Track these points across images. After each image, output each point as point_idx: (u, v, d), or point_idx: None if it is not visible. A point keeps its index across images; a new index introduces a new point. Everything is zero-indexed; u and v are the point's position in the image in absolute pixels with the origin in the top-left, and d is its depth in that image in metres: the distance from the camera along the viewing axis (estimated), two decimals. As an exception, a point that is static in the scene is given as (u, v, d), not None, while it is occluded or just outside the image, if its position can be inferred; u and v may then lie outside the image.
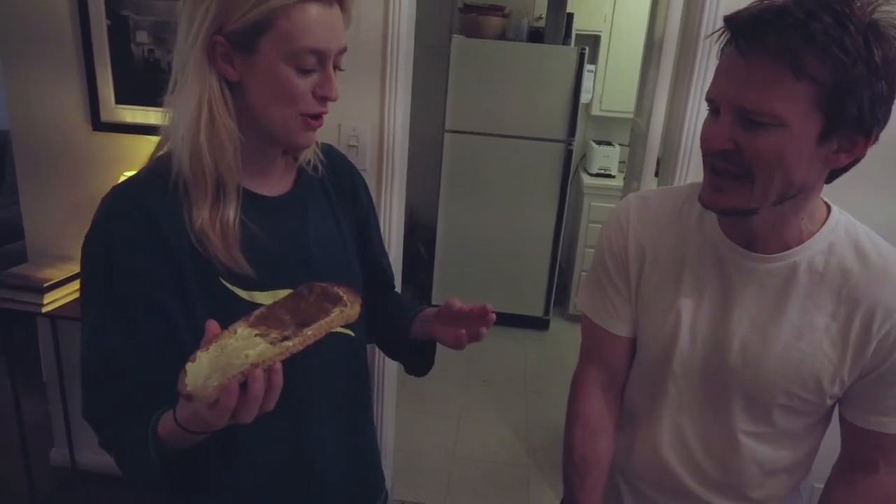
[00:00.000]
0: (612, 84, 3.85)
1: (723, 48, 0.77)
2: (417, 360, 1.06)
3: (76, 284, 1.98)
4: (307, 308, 0.72)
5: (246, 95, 0.79)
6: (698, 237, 0.91)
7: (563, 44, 3.49)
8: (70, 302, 1.94)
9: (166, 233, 0.78)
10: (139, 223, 0.77)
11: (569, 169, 3.51)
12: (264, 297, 0.81)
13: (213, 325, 0.68)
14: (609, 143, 4.00)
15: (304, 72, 0.78)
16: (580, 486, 0.99)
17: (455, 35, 3.46)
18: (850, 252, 0.83)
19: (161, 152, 0.83)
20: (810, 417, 0.90)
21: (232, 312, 0.73)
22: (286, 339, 0.67)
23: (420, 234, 3.99)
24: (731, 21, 0.74)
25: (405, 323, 1.02)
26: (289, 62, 0.77)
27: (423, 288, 3.80)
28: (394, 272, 2.01)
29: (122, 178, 1.96)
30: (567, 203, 3.58)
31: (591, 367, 1.03)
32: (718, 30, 0.77)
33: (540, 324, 3.78)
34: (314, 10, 0.76)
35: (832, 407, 0.91)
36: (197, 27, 0.76)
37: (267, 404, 0.66)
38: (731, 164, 0.76)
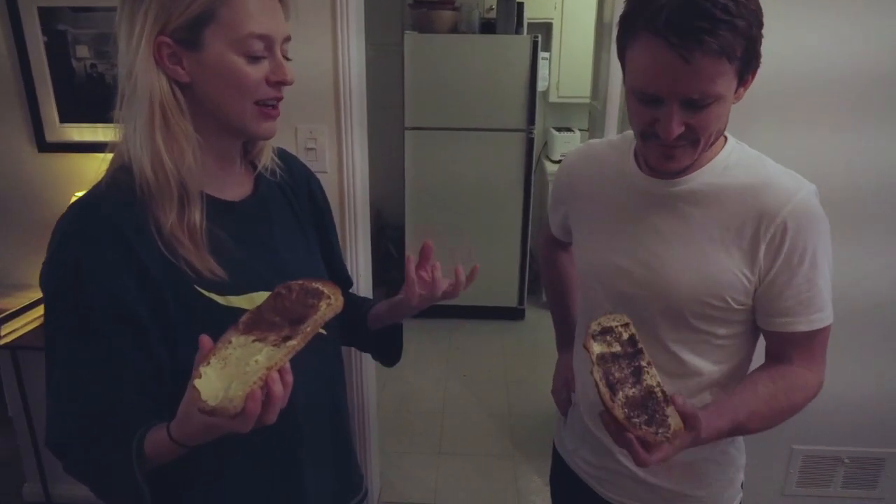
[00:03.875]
0: (568, 70, 3.88)
1: (629, 36, 0.85)
2: (385, 349, 1.09)
3: (35, 313, 1.91)
4: (293, 307, 0.73)
5: (199, 94, 0.79)
6: (619, 176, 1.04)
7: (516, 33, 3.50)
8: (30, 332, 1.86)
9: (135, 245, 0.76)
10: (106, 238, 0.75)
11: (531, 157, 3.53)
12: (241, 301, 0.81)
13: (206, 340, 0.68)
14: (569, 129, 4.03)
15: (254, 59, 0.78)
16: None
17: (407, 31, 3.44)
18: (742, 172, 0.95)
19: (116, 166, 0.81)
20: (730, 327, 0.98)
21: (212, 320, 0.72)
22: (287, 338, 0.68)
23: (389, 233, 3.97)
24: (652, 21, 0.80)
25: (362, 313, 1.06)
26: (237, 51, 0.77)
27: (396, 286, 3.75)
28: (366, 273, 2.01)
29: (74, 198, 1.90)
30: (533, 191, 3.60)
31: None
32: (625, 22, 0.85)
33: (515, 314, 3.79)
34: None
35: (752, 321, 0.99)
36: (139, 30, 0.75)
37: (284, 403, 0.67)
38: (682, 140, 0.88)
